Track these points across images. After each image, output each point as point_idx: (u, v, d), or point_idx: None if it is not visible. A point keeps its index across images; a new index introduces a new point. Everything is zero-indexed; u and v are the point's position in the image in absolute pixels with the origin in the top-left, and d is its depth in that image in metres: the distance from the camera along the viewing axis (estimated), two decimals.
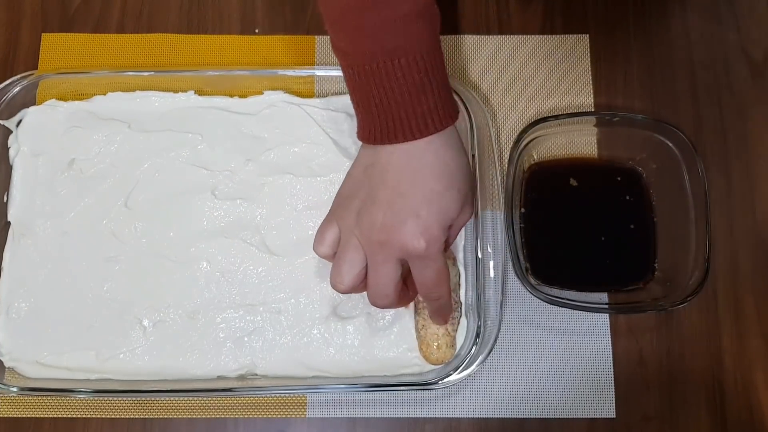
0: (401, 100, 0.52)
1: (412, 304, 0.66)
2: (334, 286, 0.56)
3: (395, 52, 0.51)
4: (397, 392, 0.66)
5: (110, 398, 0.66)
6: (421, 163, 0.52)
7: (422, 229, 0.52)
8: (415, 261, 0.54)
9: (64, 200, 0.69)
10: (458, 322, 0.66)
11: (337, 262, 0.56)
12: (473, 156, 0.67)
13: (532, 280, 0.66)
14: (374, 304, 0.57)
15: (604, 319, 0.69)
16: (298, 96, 0.72)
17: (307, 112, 0.71)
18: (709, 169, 0.70)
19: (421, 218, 0.52)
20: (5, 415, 0.66)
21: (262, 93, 0.72)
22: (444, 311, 0.61)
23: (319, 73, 0.72)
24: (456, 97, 0.68)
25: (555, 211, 0.70)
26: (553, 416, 0.67)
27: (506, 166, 0.68)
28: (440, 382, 0.62)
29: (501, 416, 0.67)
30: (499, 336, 0.63)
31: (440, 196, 0.53)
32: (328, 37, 0.75)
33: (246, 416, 0.66)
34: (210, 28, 0.77)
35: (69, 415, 0.66)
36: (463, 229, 0.68)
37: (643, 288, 0.68)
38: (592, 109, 0.74)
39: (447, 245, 0.57)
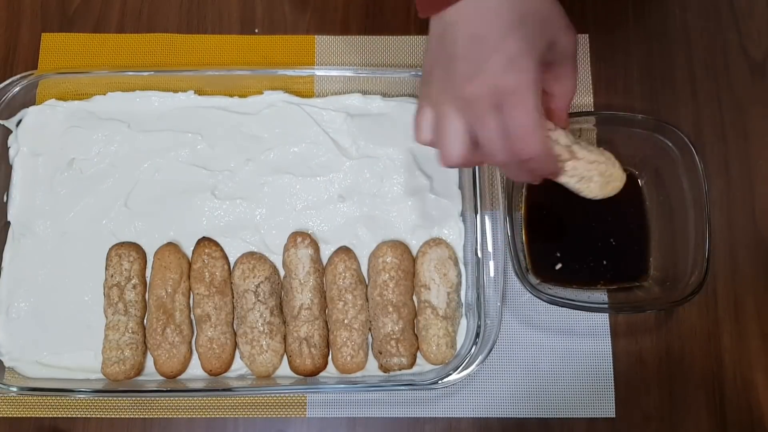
0: None
1: (414, 303, 0.66)
2: (442, 163, 0.50)
3: None
4: (396, 392, 0.66)
5: (110, 398, 0.66)
6: (487, 5, 0.46)
7: (506, 61, 0.46)
8: (506, 106, 0.47)
9: (64, 200, 0.69)
10: (458, 322, 0.66)
11: (439, 138, 0.50)
12: None
13: (532, 280, 0.66)
14: (502, 161, 0.49)
15: (604, 319, 0.69)
16: (297, 96, 0.72)
17: (306, 112, 0.71)
18: (709, 169, 0.70)
19: (503, 51, 0.46)
20: (5, 415, 0.66)
21: (262, 93, 0.72)
22: (541, 170, 0.51)
23: (319, 72, 0.72)
24: None
25: (555, 212, 0.70)
26: (553, 416, 0.67)
27: None
28: (440, 382, 0.62)
29: (501, 416, 0.67)
30: (499, 336, 0.63)
31: (521, 24, 0.46)
32: (328, 37, 0.76)
33: (246, 416, 0.66)
34: (210, 27, 0.77)
35: (69, 415, 0.66)
36: (464, 227, 0.68)
37: (643, 287, 0.68)
38: (592, 109, 0.74)
39: (553, 97, 0.52)
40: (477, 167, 0.66)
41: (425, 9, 0.49)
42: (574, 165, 0.54)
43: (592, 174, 0.54)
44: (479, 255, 0.65)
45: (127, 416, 0.66)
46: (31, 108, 0.71)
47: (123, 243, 0.67)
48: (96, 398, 0.66)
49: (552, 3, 0.49)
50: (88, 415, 0.66)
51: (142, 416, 0.66)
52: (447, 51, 0.48)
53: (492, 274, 0.64)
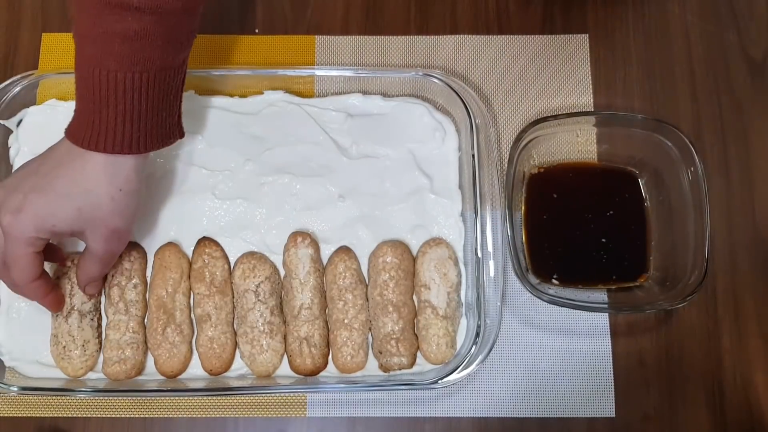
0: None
1: (414, 303, 0.66)
2: None
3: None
4: (397, 392, 0.66)
5: (110, 397, 0.66)
6: (71, 162, 0.55)
7: (17, 207, 0.54)
8: (5, 238, 0.55)
9: None
10: (458, 322, 0.66)
11: None
12: (473, 156, 0.67)
13: (532, 280, 0.66)
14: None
15: (603, 318, 0.69)
16: (298, 96, 0.72)
17: (307, 112, 0.71)
18: (708, 169, 0.71)
19: (26, 198, 0.54)
20: (5, 415, 0.66)
21: (262, 93, 0.72)
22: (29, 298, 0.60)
23: (319, 72, 0.72)
24: (456, 97, 0.68)
25: (555, 211, 0.70)
26: (553, 416, 0.67)
27: (506, 166, 0.68)
28: (440, 381, 0.62)
29: (500, 416, 0.67)
30: (499, 335, 0.63)
31: (56, 197, 0.54)
32: (328, 37, 0.76)
33: (246, 415, 0.67)
34: (210, 27, 0.77)
35: (69, 415, 0.66)
36: (464, 227, 0.68)
37: (643, 287, 0.68)
38: (592, 109, 0.74)
39: (77, 267, 0.61)
40: (476, 167, 0.66)
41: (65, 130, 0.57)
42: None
43: None
44: (479, 255, 0.65)
45: (127, 416, 0.66)
46: (32, 108, 0.71)
47: None
48: (96, 398, 0.66)
49: (111, 215, 0.56)
50: (89, 415, 0.66)
51: (142, 416, 0.66)
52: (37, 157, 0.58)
53: (492, 273, 0.64)
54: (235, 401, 0.67)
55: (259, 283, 0.65)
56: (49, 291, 0.60)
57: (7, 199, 0.55)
